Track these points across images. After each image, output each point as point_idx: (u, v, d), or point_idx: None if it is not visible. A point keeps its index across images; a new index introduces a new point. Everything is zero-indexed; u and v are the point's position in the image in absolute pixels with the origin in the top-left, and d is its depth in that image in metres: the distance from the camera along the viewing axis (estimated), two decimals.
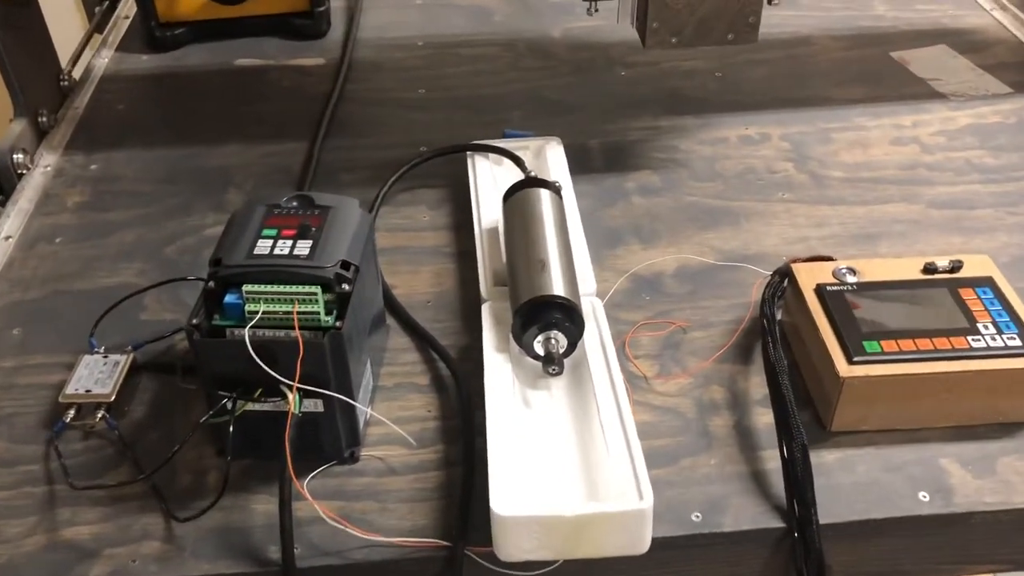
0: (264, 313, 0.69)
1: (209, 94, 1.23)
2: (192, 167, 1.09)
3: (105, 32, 1.34)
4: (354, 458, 0.75)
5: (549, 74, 1.25)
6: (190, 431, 0.71)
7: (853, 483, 0.72)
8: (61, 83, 1.18)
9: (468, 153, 1.02)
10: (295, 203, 0.76)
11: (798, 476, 0.69)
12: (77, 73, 1.23)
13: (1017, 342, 0.74)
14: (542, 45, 1.31)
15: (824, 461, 0.74)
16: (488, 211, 0.94)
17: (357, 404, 0.73)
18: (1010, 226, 0.97)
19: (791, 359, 0.82)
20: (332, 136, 1.13)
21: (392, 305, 0.88)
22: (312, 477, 0.73)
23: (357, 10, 1.37)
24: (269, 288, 0.69)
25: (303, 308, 0.69)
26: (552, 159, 1.01)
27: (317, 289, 0.69)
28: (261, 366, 0.66)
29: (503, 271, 0.85)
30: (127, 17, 1.39)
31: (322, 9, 1.31)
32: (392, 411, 0.79)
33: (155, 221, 1.00)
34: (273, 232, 0.73)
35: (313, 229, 0.73)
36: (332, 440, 0.73)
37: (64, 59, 1.21)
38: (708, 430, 0.77)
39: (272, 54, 1.30)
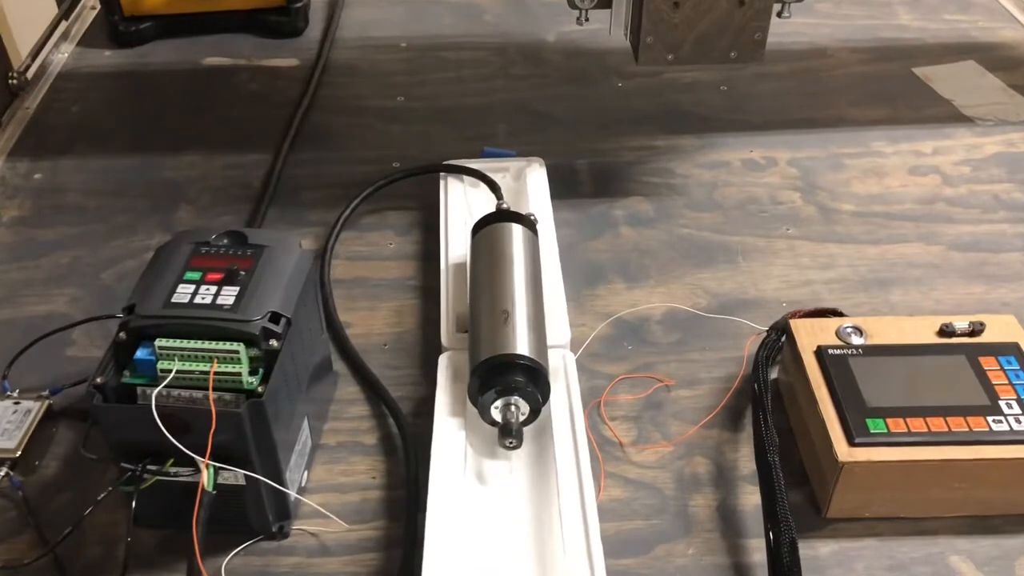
0: (179, 372, 0.60)
1: (171, 97, 1.14)
2: (144, 179, 1.00)
3: (68, 24, 1.25)
4: (283, 533, 0.66)
5: (539, 84, 1.15)
6: (98, 499, 0.63)
7: None
8: (10, 81, 1.09)
9: (441, 174, 0.93)
10: (226, 240, 0.68)
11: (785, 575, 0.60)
12: (35, 68, 1.15)
13: None
14: (534, 50, 1.21)
15: (817, 554, 0.64)
16: (457, 243, 0.84)
17: (286, 475, 0.64)
18: None
19: (787, 424, 0.72)
20: (299, 148, 1.04)
21: (344, 348, 0.79)
22: (234, 554, 0.64)
23: (338, 6, 1.28)
24: (185, 344, 0.60)
25: (223, 368, 0.60)
26: (532, 183, 0.91)
27: (240, 347, 0.60)
28: (168, 437, 0.57)
29: (468, 315, 0.76)
30: (94, 8, 1.30)
31: (299, 5, 1.21)
32: (332, 475, 0.70)
33: (96, 241, 0.91)
34: (197, 276, 0.64)
35: (242, 273, 0.64)
36: (258, 514, 0.64)
37: (25, 51, 1.12)
38: (687, 511, 0.67)
39: (243, 53, 1.20)
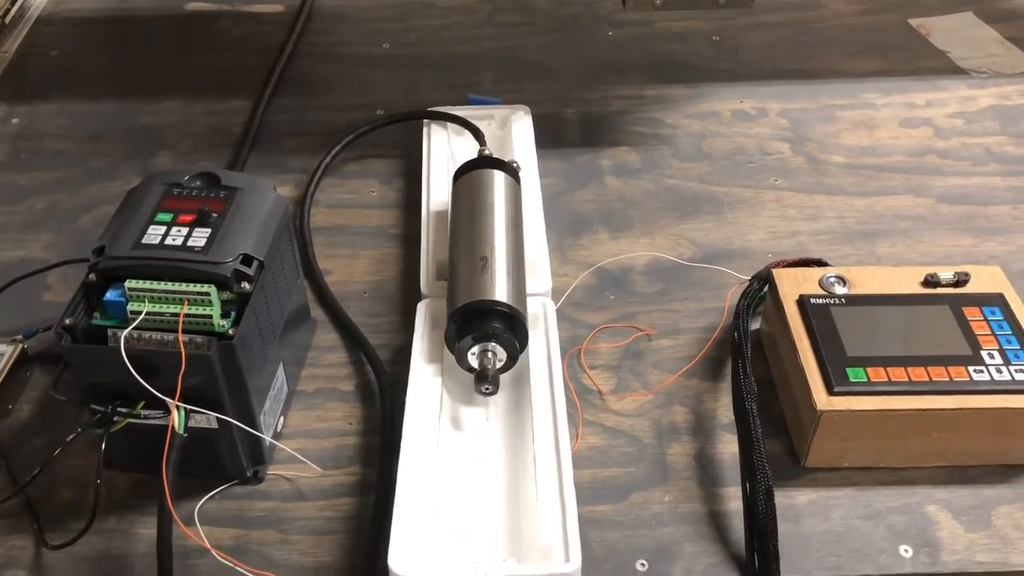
0: (149, 314, 0.59)
1: (152, 42, 1.12)
2: (124, 125, 0.98)
3: None
4: (258, 478, 0.66)
5: (529, 31, 1.13)
6: (67, 440, 0.62)
7: (825, 531, 0.63)
8: None
9: (424, 121, 0.91)
10: (198, 182, 0.66)
11: (760, 523, 0.60)
12: (14, 12, 1.13)
13: None
14: None
15: (795, 503, 0.64)
16: (439, 190, 0.83)
17: (260, 419, 0.63)
18: None
19: (768, 374, 0.72)
20: (281, 95, 1.02)
21: (323, 296, 0.78)
22: (208, 499, 0.64)
23: None
24: (156, 285, 0.59)
25: (194, 310, 0.59)
26: (518, 132, 0.90)
27: (211, 288, 0.59)
28: (137, 379, 0.57)
29: (447, 263, 0.75)
30: None
31: None
32: (309, 421, 0.69)
33: (74, 186, 0.90)
34: (168, 217, 0.63)
35: (214, 215, 0.63)
36: (232, 458, 0.64)
37: None
38: (665, 459, 0.67)
39: None
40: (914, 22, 1.14)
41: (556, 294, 0.77)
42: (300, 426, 0.69)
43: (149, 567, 0.60)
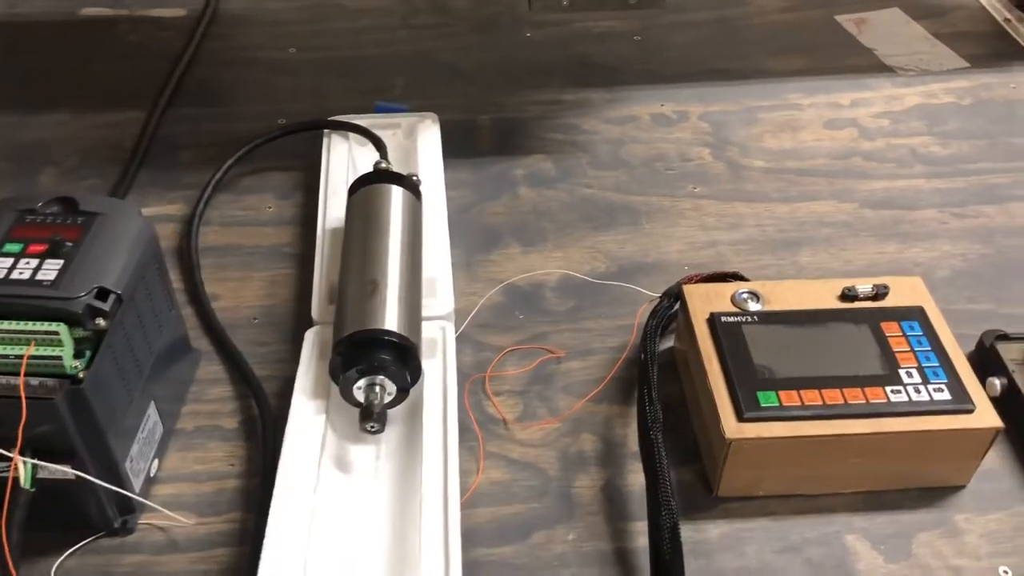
0: None
1: (45, 50, 1.05)
2: (7, 139, 0.92)
3: None
4: (127, 529, 0.60)
5: (445, 32, 1.09)
6: None
7: (739, 568, 0.59)
8: None
9: (325, 132, 0.86)
10: (55, 208, 0.61)
11: (666, 564, 0.56)
12: None
13: (944, 394, 0.60)
14: None
15: (706, 537, 0.60)
16: (337, 206, 0.78)
17: (126, 466, 0.58)
18: (954, 232, 0.83)
19: (681, 395, 0.68)
20: (178, 104, 0.96)
21: (209, 324, 0.73)
22: (70, 554, 0.58)
23: None
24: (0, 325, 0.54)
25: (43, 351, 0.54)
26: (424, 141, 0.85)
27: (60, 327, 0.54)
28: None
29: (337, 287, 0.70)
30: None
31: None
32: (187, 463, 0.64)
33: None
34: (17, 248, 0.57)
35: (68, 245, 0.58)
36: (96, 509, 0.59)
37: None
38: (571, 493, 0.63)
39: (127, 3, 1.12)
40: (841, 18, 1.11)
41: (462, 315, 0.73)
42: (177, 468, 0.64)
43: None
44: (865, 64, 1.03)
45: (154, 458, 0.63)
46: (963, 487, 0.63)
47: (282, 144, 0.89)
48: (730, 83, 1.00)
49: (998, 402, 0.65)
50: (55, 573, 0.57)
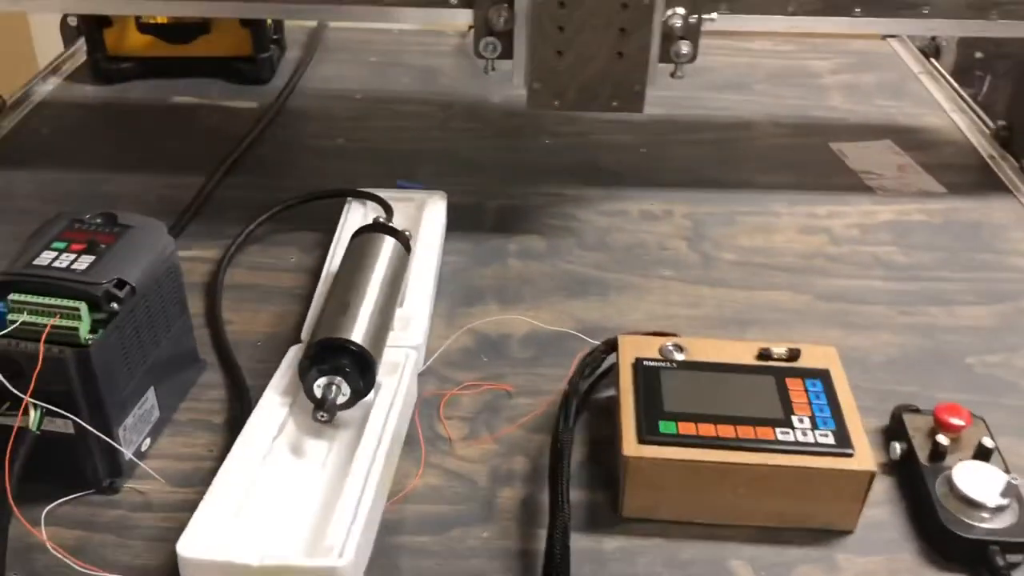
0: (24, 324, 0.67)
1: (136, 128, 1.24)
2: (91, 190, 1.09)
3: (59, 61, 1.38)
4: (113, 488, 0.71)
5: (474, 135, 1.24)
6: None
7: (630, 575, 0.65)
8: None
9: (348, 199, 1.00)
10: (99, 220, 0.75)
11: (556, 561, 0.63)
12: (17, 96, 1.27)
13: (829, 439, 0.67)
14: (477, 108, 1.30)
15: (603, 548, 0.67)
16: (342, 256, 0.91)
17: (119, 432, 0.69)
18: (899, 326, 0.90)
19: (610, 435, 0.76)
20: (236, 174, 1.13)
21: (218, 341, 0.85)
22: (62, 502, 0.69)
23: (305, 61, 1.39)
24: (34, 299, 0.67)
25: (64, 323, 0.67)
26: (429, 212, 0.98)
27: (81, 305, 0.67)
28: None
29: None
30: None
31: (265, 56, 1.32)
32: (174, 447, 0.75)
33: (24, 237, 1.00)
34: (63, 245, 0.72)
35: (102, 246, 0.71)
36: (90, 467, 0.70)
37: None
38: (494, 501, 0.71)
39: (211, 95, 1.31)
40: (834, 146, 1.21)
41: (432, 352, 0.83)
42: (165, 449, 0.75)
43: None
44: (848, 184, 1.13)
45: (147, 437, 0.74)
46: (850, 532, 0.69)
47: (312, 208, 1.03)
48: (719, 191, 1.11)
49: (897, 464, 0.72)
50: (45, 516, 0.67)
